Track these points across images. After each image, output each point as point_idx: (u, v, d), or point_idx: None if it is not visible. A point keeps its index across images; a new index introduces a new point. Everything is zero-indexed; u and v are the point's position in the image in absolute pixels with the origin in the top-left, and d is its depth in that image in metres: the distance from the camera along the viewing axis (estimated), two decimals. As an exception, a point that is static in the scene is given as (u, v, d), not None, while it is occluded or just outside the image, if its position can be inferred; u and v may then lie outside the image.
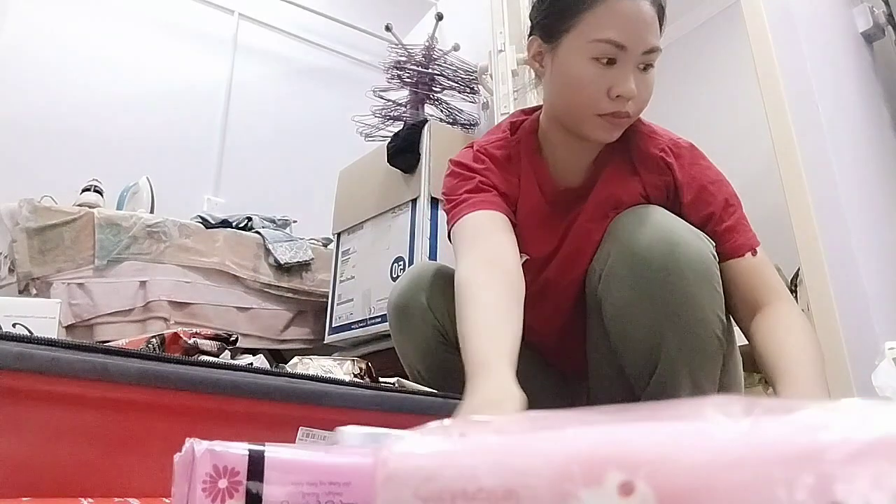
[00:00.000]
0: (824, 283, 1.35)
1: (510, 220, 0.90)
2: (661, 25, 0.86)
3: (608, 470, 0.21)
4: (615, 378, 0.91)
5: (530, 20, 0.96)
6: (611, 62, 0.83)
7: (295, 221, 2.30)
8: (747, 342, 0.88)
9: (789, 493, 0.17)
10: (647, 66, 0.85)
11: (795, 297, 1.77)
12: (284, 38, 2.89)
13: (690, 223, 0.87)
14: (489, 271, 0.79)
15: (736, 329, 0.93)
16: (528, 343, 1.02)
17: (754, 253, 0.87)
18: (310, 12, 2.87)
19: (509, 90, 1.75)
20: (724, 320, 0.85)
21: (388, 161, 1.84)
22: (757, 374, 2.14)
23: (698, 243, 0.83)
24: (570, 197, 0.95)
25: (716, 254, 0.84)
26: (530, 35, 0.93)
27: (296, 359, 0.86)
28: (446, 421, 0.29)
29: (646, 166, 0.93)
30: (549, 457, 0.22)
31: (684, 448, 0.20)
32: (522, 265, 0.87)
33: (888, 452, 0.17)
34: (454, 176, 0.96)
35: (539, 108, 1.01)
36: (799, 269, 1.54)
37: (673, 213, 0.88)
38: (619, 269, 0.84)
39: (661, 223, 0.83)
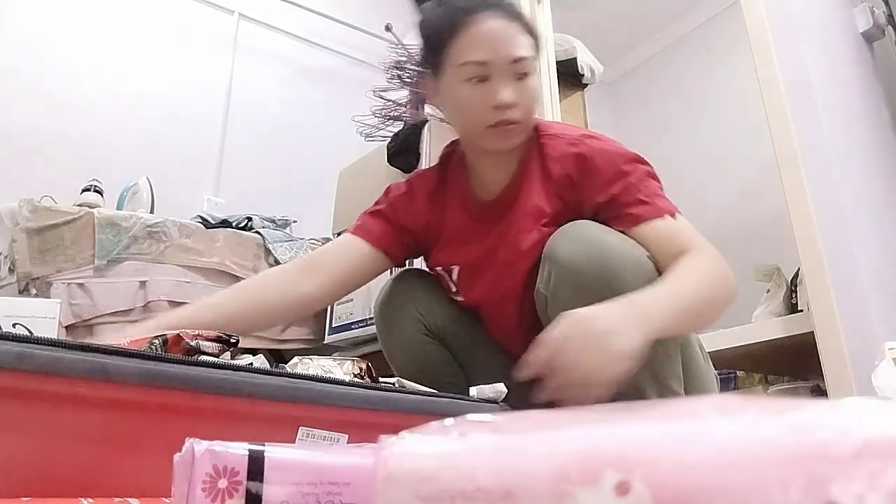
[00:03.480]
0: (824, 283, 1.36)
1: (374, 242, 1.05)
2: (532, 37, 0.96)
3: (604, 470, 0.21)
4: None
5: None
6: (483, 80, 0.92)
7: (295, 221, 2.30)
8: None
9: (784, 492, 0.17)
10: (523, 75, 0.93)
11: (796, 297, 1.77)
12: (284, 39, 2.88)
13: (600, 205, 0.92)
14: (277, 274, 1.07)
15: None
16: (506, 352, 1.06)
17: (674, 216, 0.91)
18: (310, 12, 2.87)
19: (509, 90, 1.75)
20: None
21: (388, 161, 1.84)
22: (757, 374, 2.14)
23: (630, 248, 0.86)
24: (494, 209, 1.01)
25: (652, 256, 0.87)
26: (425, 74, 1.04)
27: (296, 359, 0.86)
28: (447, 421, 0.29)
29: (553, 167, 0.97)
30: (546, 457, 0.23)
31: (680, 448, 0.20)
32: (458, 274, 1.03)
33: (883, 452, 0.17)
34: (380, 197, 1.12)
35: None
36: (799, 269, 1.54)
37: (583, 203, 0.94)
38: (562, 291, 0.87)
39: (592, 237, 0.87)
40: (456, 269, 1.04)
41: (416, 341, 1.03)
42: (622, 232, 0.90)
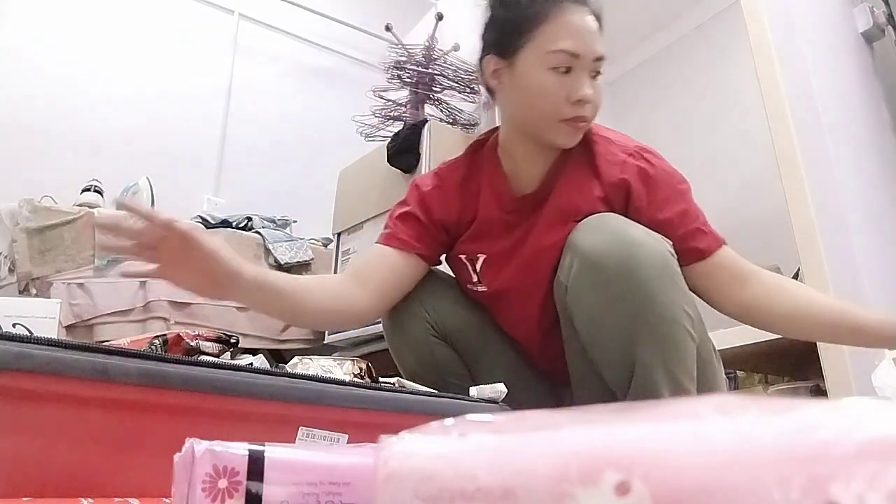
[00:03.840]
0: (824, 283, 1.35)
1: (410, 249, 1.01)
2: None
3: (605, 469, 0.21)
4: (596, 384, 0.93)
5: (482, 40, 1.01)
6: (567, 71, 0.90)
7: (295, 221, 2.30)
8: (739, 311, 0.94)
9: (784, 492, 0.17)
10: (597, 74, 0.93)
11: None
12: (284, 39, 2.89)
13: (658, 221, 0.92)
14: (337, 279, 1.02)
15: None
16: (516, 352, 1.05)
17: (724, 244, 0.96)
18: (310, 12, 2.87)
19: (509, 90, 1.75)
20: (692, 314, 0.87)
21: (388, 161, 1.84)
22: (757, 374, 2.14)
23: (655, 244, 0.86)
24: (528, 203, 1.00)
25: (674, 252, 0.88)
26: (485, 55, 0.99)
27: (296, 359, 0.86)
28: (447, 421, 0.29)
29: (608, 169, 0.96)
30: (547, 456, 0.23)
31: (681, 448, 0.20)
32: (482, 263, 1.02)
33: (883, 452, 0.17)
34: (407, 195, 1.08)
35: (497, 129, 1.08)
36: (799, 269, 1.54)
37: (637, 212, 0.93)
38: (583, 280, 0.87)
39: (617, 229, 0.86)
40: (481, 258, 1.02)
41: (423, 341, 1.02)
42: (689, 264, 0.92)
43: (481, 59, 1.00)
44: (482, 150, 1.08)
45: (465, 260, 1.05)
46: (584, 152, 0.98)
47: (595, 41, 0.92)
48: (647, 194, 0.94)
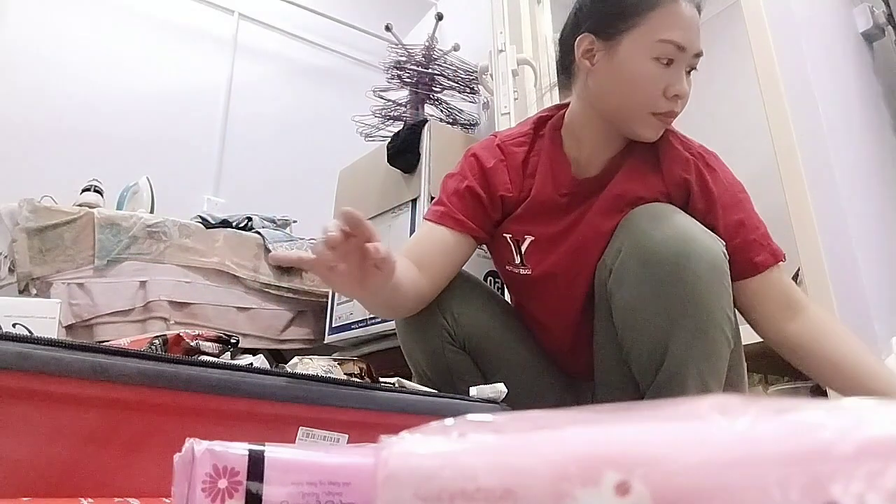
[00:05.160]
0: (824, 283, 1.35)
1: (465, 230, 0.97)
2: None
3: (605, 470, 0.21)
4: (620, 376, 0.91)
5: (577, 17, 0.97)
6: (669, 63, 0.87)
7: (295, 221, 2.30)
8: (780, 342, 0.92)
9: (784, 492, 0.17)
10: (692, 70, 0.90)
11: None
12: (284, 38, 2.89)
13: (715, 226, 0.90)
14: (408, 264, 0.90)
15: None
16: (537, 344, 1.03)
17: (784, 259, 0.93)
18: (310, 12, 2.87)
19: (510, 90, 1.75)
20: (733, 318, 0.85)
21: (388, 161, 1.84)
22: (757, 374, 2.14)
23: (710, 242, 0.84)
24: (586, 188, 0.97)
25: (727, 253, 0.86)
26: (579, 32, 0.95)
27: (296, 359, 0.86)
28: (447, 421, 0.29)
29: (673, 165, 0.94)
30: (547, 456, 0.23)
31: (681, 448, 0.20)
32: (529, 245, 0.98)
33: (883, 452, 0.17)
34: (462, 167, 1.02)
35: (564, 105, 1.04)
36: (799, 269, 1.54)
37: (696, 213, 0.91)
38: (630, 265, 0.85)
39: (674, 221, 0.84)
40: (528, 240, 0.98)
41: (438, 349, 0.98)
42: (740, 279, 0.90)
43: (573, 36, 0.96)
44: (547, 127, 1.03)
45: (510, 240, 1.00)
46: (649, 145, 0.95)
47: (698, 36, 0.90)
48: (705, 200, 0.92)
